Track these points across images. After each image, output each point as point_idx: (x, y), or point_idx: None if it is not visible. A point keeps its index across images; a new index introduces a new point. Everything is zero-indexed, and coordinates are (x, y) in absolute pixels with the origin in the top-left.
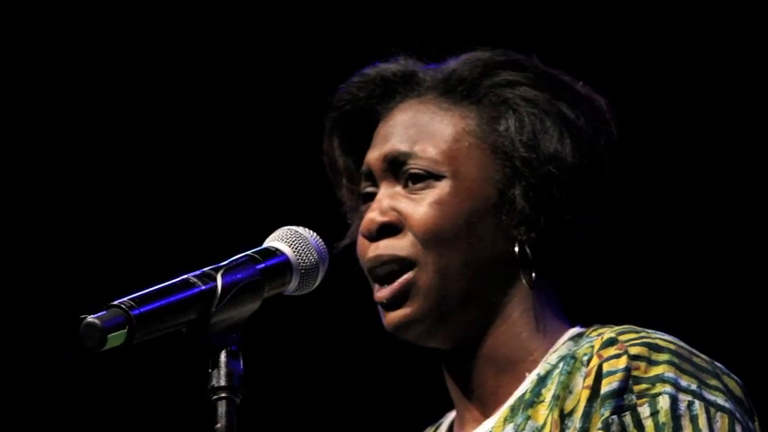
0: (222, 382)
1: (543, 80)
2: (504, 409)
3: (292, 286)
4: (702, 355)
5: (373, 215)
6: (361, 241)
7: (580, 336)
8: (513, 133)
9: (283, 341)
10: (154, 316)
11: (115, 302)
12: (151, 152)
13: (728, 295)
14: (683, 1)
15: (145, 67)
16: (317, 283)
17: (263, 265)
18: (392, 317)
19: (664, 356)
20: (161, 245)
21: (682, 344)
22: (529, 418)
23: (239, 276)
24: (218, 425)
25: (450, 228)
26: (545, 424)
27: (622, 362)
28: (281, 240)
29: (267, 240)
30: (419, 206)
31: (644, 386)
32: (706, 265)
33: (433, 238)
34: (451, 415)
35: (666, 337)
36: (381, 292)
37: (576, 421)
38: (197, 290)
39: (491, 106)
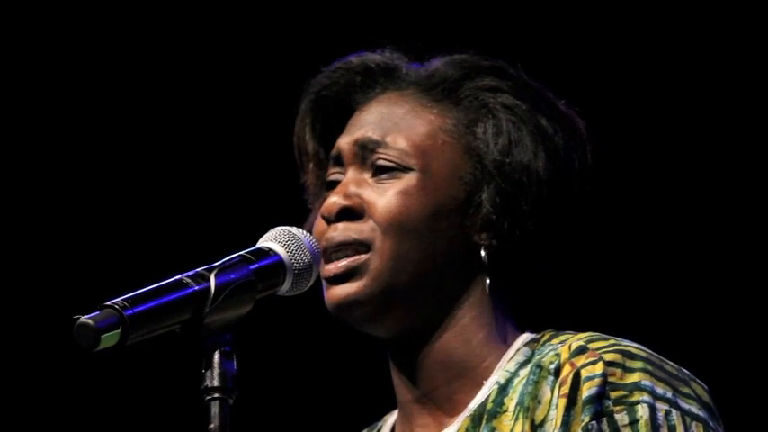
0: (215, 383)
1: (526, 91)
2: (463, 419)
3: (286, 287)
4: (671, 362)
5: (336, 198)
6: (319, 222)
7: (535, 341)
8: (489, 137)
9: (277, 342)
10: (147, 316)
11: (108, 303)
12: (145, 153)
13: (699, 302)
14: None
15: (140, 68)
16: (311, 284)
17: (256, 266)
18: (336, 291)
19: (638, 364)
20: (155, 245)
21: (651, 351)
22: (494, 429)
23: (233, 277)
24: (212, 425)
25: (412, 219)
26: None
27: (599, 367)
28: (275, 241)
29: (260, 241)
30: (384, 195)
31: (621, 393)
32: (661, 274)
33: (393, 227)
34: (391, 418)
35: (635, 344)
36: (329, 267)
37: (550, 430)
38: (190, 290)
39: (471, 109)
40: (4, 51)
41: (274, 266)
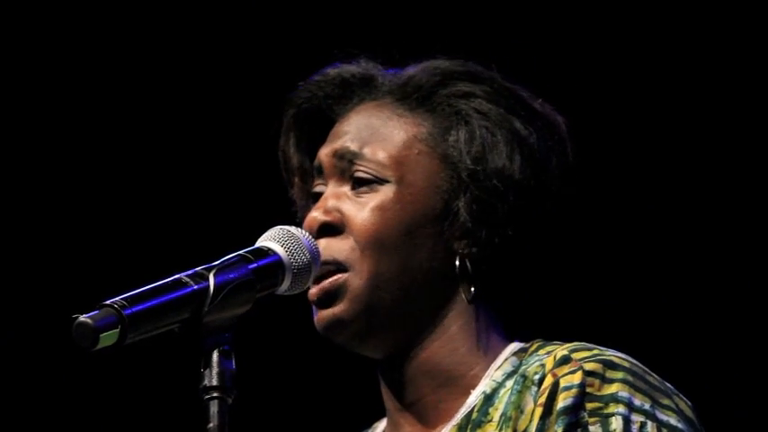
0: (214, 382)
1: (500, 94)
2: (449, 428)
3: (285, 286)
4: (655, 375)
5: (316, 214)
6: None
7: (523, 351)
8: (462, 145)
9: (276, 341)
10: (146, 315)
11: (107, 302)
12: (145, 153)
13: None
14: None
15: (140, 68)
16: (310, 283)
17: (255, 265)
18: (321, 315)
19: (618, 374)
20: (154, 245)
21: (635, 362)
22: None
23: (232, 276)
24: (210, 424)
25: (390, 234)
26: None
27: (577, 377)
28: (274, 240)
29: (259, 240)
30: (362, 210)
31: (596, 405)
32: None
33: (371, 244)
34: (381, 425)
35: (620, 354)
36: (313, 290)
37: None
38: (189, 289)
39: (444, 116)
40: (4, 51)
41: (273, 266)
